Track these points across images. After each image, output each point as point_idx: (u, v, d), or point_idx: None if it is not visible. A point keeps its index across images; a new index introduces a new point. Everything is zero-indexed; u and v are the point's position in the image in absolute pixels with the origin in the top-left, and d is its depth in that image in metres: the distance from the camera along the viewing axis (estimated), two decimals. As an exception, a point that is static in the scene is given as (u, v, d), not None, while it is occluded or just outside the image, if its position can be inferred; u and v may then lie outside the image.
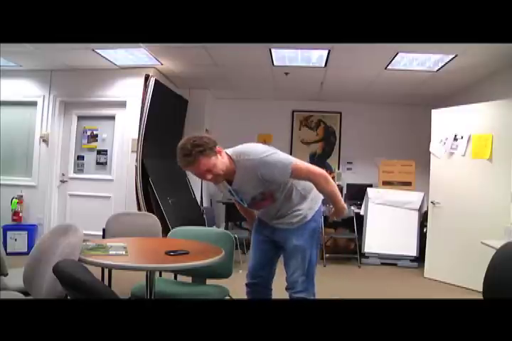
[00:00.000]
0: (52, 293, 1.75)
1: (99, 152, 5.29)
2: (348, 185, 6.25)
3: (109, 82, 5.11)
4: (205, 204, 5.97)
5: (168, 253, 2.05)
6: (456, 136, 4.38)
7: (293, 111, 6.60)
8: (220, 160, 1.94)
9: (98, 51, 4.32)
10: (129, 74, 5.00)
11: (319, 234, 2.25)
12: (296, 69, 4.81)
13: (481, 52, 3.86)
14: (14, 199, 5.00)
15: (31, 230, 4.92)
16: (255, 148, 2.01)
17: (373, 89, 5.55)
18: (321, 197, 2.24)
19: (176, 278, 2.83)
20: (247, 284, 2.32)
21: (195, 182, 5.68)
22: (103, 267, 2.65)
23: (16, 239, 4.83)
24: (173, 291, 2.38)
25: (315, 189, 2.15)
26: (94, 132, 5.31)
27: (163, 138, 5.13)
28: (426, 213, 4.90)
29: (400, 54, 4.04)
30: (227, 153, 2.02)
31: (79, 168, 5.34)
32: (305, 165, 2.07)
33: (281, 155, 2.01)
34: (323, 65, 4.54)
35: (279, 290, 2.28)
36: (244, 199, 2.13)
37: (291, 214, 2.15)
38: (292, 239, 2.14)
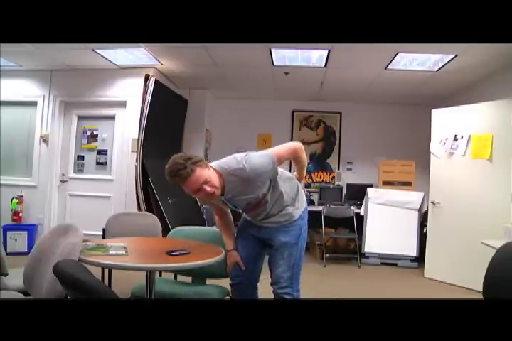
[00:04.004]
0: (52, 293, 1.75)
1: (99, 152, 5.29)
2: (348, 185, 6.25)
3: (109, 82, 5.11)
4: (205, 205, 5.96)
5: (168, 253, 2.05)
6: (456, 136, 4.38)
7: (293, 111, 6.60)
8: (213, 173, 1.93)
9: (98, 51, 4.32)
10: (129, 74, 5.00)
11: (306, 232, 2.28)
12: (296, 69, 4.81)
13: (481, 52, 3.86)
14: (14, 199, 5.00)
15: (31, 230, 4.92)
16: (235, 159, 1.98)
17: (373, 89, 5.56)
18: (305, 195, 2.36)
19: (176, 278, 2.83)
20: (230, 284, 2.32)
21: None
22: (103, 267, 2.65)
23: (16, 239, 4.83)
24: (173, 291, 2.38)
25: (300, 190, 2.29)
26: (94, 132, 5.31)
27: (163, 138, 5.13)
28: (426, 213, 4.90)
29: (400, 54, 4.04)
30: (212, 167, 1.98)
31: (79, 167, 5.35)
32: (280, 150, 2.10)
33: (258, 155, 2.00)
34: (323, 64, 4.55)
35: (263, 288, 2.33)
36: (239, 206, 2.14)
37: (278, 214, 2.20)
38: (280, 235, 2.19)
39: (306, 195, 2.55)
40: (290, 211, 2.20)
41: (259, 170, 1.94)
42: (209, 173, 1.90)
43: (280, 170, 2.19)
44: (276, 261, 2.18)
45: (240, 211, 2.21)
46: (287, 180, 2.23)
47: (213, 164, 2.01)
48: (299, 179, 2.37)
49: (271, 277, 2.21)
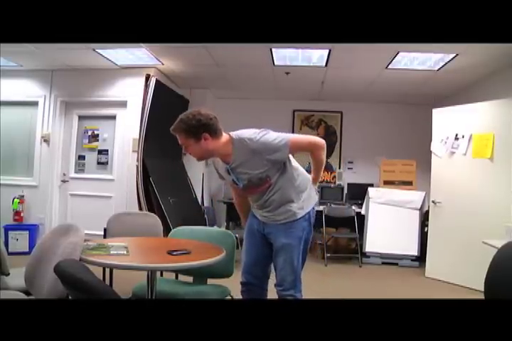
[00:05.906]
0: (54, 292, 1.76)
1: (100, 152, 5.29)
2: (349, 185, 6.25)
3: (110, 82, 5.11)
4: (205, 204, 5.97)
5: (169, 252, 2.05)
6: (457, 135, 4.38)
7: (294, 111, 6.60)
8: (199, 146, 2.01)
9: (99, 51, 4.32)
10: (130, 74, 5.00)
11: (310, 233, 2.22)
12: (297, 69, 4.81)
13: (481, 52, 3.86)
14: (15, 199, 5.01)
15: (32, 230, 4.93)
16: (253, 130, 2.06)
17: (374, 88, 5.55)
18: (315, 199, 2.29)
19: (177, 277, 2.83)
20: (241, 283, 2.30)
21: (196, 181, 5.68)
22: (104, 267, 2.65)
23: (17, 239, 4.83)
24: (174, 291, 2.38)
25: (310, 191, 2.24)
26: (95, 132, 5.31)
27: (164, 138, 5.10)
28: (427, 212, 4.90)
29: (400, 53, 4.04)
30: (229, 134, 2.07)
31: (80, 167, 5.35)
32: (300, 138, 2.20)
33: (275, 134, 2.05)
34: (323, 64, 4.54)
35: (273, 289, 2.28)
36: (241, 180, 2.10)
37: (279, 209, 2.14)
38: (281, 236, 2.15)
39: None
40: (293, 209, 2.14)
41: (267, 146, 1.98)
42: (190, 143, 2.02)
43: (297, 164, 2.20)
44: (278, 263, 2.16)
45: (241, 186, 2.14)
46: (302, 176, 2.21)
47: (233, 132, 2.08)
48: (313, 180, 2.29)
49: (275, 277, 2.19)
